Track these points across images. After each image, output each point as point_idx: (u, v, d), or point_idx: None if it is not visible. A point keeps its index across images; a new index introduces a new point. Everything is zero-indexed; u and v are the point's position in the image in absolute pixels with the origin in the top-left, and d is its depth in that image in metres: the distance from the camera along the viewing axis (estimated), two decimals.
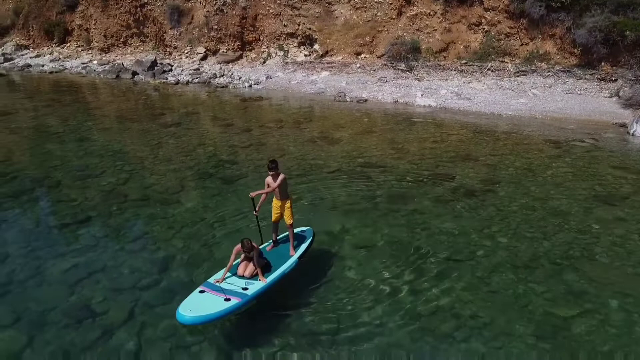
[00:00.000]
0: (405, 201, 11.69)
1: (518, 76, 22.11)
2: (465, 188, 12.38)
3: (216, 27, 28.60)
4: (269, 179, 8.30)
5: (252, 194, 8.19)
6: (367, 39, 25.92)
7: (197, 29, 29.44)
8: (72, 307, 7.92)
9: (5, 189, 12.53)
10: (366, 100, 22.06)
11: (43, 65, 31.49)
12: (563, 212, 11.06)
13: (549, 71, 21.77)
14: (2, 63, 32.33)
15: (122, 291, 8.33)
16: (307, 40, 27.45)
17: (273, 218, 8.64)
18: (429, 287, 8.39)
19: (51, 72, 30.25)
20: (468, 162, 14.27)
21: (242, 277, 7.63)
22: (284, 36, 27.82)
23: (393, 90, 22.64)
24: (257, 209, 8.36)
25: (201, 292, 7.23)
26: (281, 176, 8.23)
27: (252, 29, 28.41)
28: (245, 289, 7.34)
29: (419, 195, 12.04)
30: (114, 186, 12.62)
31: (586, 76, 21.03)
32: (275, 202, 8.53)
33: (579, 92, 20.55)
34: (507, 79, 22.16)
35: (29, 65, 31.63)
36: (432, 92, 21.88)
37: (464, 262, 9.13)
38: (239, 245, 7.60)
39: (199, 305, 6.89)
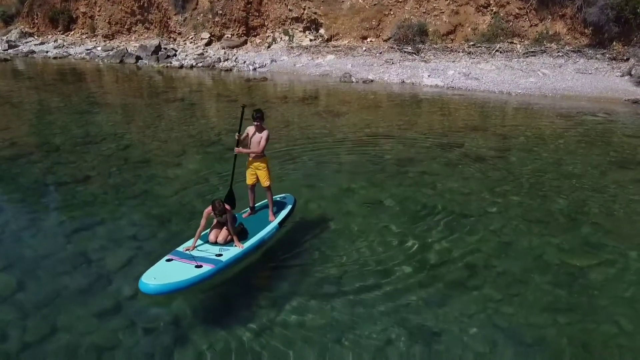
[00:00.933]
0: (413, 164, 11.32)
1: (527, 57, 21.68)
2: (475, 154, 12.00)
3: (221, 12, 28.36)
4: (250, 129, 7.50)
5: (239, 141, 7.38)
6: (374, 23, 25.58)
7: (201, 15, 29.23)
8: (67, 254, 7.62)
9: (3, 153, 12.25)
10: (372, 81, 21.73)
11: (47, 52, 31.39)
12: (577, 175, 10.68)
13: (559, 51, 21.34)
14: (7, 50, 32.27)
15: (120, 241, 7.99)
16: (313, 25, 27.14)
17: (248, 180, 7.75)
18: (439, 240, 8.00)
19: (55, 58, 30.16)
20: (477, 132, 13.89)
21: (215, 243, 6.90)
22: (289, 21, 27.51)
23: (399, 72, 22.29)
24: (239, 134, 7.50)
25: (168, 260, 6.48)
26: (266, 132, 7.45)
27: (257, 14, 28.16)
28: (220, 255, 6.63)
29: (428, 160, 11.66)
30: (114, 151, 12.31)
31: (597, 56, 20.57)
32: (250, 161, 7.64)
33: (589, 72, 20.09)
34: (516, 59, 21.74)
35: (32, 52, 31.55)
36: (439, 73, 21.51)
37: (476, 217, 8.74)
38: (209, 207, 6.80)
39: (166, 273, 6.13)
